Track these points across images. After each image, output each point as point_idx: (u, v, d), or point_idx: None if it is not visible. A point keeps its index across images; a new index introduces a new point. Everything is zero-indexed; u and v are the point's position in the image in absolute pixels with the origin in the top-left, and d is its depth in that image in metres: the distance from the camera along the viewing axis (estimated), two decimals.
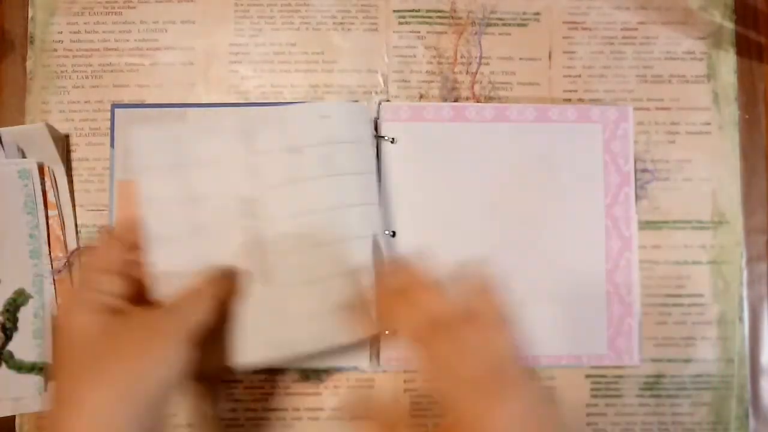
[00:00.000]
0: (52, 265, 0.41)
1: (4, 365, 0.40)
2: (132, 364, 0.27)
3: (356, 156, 0.39)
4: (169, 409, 0.30)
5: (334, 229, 0.38)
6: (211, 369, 0.33)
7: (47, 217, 0.41)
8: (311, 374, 0.42)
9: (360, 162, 0.40)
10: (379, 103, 0.42)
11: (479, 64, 0.43)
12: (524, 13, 0.44)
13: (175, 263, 0.34)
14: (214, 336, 0.33)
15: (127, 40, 0.43)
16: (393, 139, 0.41)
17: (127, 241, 0.31)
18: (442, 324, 0.30)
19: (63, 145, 0.42)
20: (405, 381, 0.42)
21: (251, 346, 0.36)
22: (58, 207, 0.41)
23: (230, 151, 0.38)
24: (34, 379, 0.40)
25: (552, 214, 0.42)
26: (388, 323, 0.32)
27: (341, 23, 0.44)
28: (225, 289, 0.33)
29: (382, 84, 0.43)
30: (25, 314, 0.41)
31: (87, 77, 0.43)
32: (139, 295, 0.31)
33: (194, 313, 0.30)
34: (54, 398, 0.27)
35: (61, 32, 0.43)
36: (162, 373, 0.27)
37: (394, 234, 0.41)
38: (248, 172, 0.39)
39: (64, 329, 0.28)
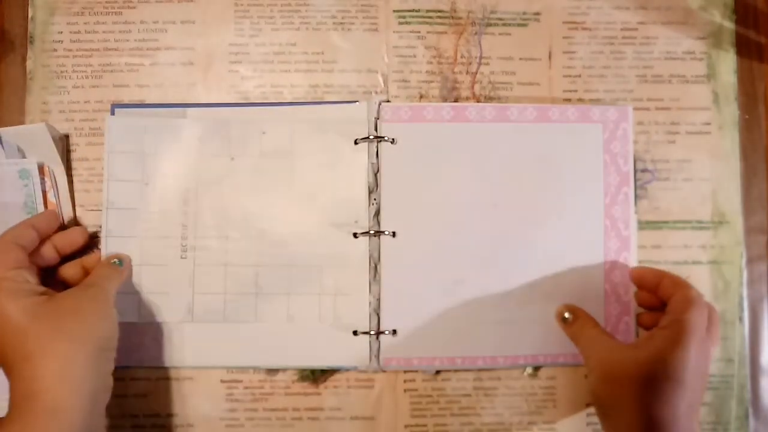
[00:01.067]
0: None
1: None
2: (86, 323, 0.34)
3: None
4: (113, 359, 0.36)
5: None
6: None
7: None
8: (311, 374, 0.42)
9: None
10: (379, 104, 0.42)
11: (479, 64, 0.43)
12: (524, 13, 0.44)
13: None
14: None
15: (127, 40, 0.43)
16: (393, 139, 0.41)
17: (21, 242, 0.36)
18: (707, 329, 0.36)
19: (63, 145, 0.42)
20: (405, 381, 0.42)
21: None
22: (58, 207, 0.41)
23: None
24: None
25: (551, 213, 0.42)
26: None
27: (341, 23, 0.44)
28: (125, 274, 0.40)
29: (382, 84, 0.43)
30: None
31: (87, 77, 0.43)
32: (55, 287, 0.38)
33: (112, 285, 0.37)
34: (16, 364, 0.32)
35: (61, 32, 0.43)
36: (107, 328, 0.35)
37: (394, 234, 0.41)
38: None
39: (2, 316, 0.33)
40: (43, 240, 0.38)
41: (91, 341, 0.34)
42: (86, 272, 0.40)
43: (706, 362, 0.35)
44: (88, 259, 0.40)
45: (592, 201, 0.42)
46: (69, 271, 0.39)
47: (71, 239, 0.40)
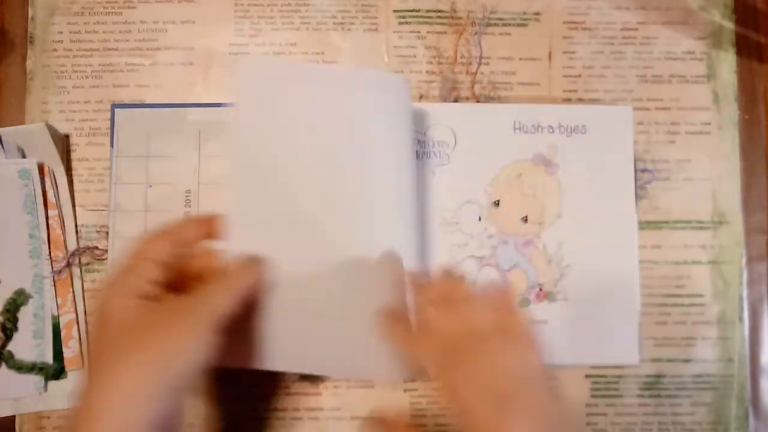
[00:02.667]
0: (52, 265, 0.41)
1: (4, 365, 0.40)
2: (159, 346, 0.28)
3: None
4: (191, 395, 0.32)
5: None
6: (237, 363, 0.34)
7: (47, 217, 0.41)
8: (311, 374, 0.42)
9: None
10: None
11: (479, 64, 0.43)
12: (524, 13, 0.44)
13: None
14: (241, 330, 0.34)
15: (127, 40, 0.43)
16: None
17: (179, 237, 0.32)
18: (479, 336, 0.31)
19: (63, 145, 0.42)
20: (405, 381, 0.42)
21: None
22: (58, 207, 0.41)
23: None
24: (34, 379, 0.40)
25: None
26: (424, 330, 0.32)
27: (341, 23, 0.44)
28: (253, 280, 0.33)
29: None
30: (25, 314, 0.41)
31: (87, 77, 0.43)
32: (182, 285, 0.32)
33: (220, 301, 0.30)
34: (87, 374, 0.29)
35: (61, 32, 0.43)
36: (186, 356, 0.28)
37: None
38: None
39: (101, 310, 0.30)
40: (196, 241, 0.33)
41: (161, 376, 0.27)
42: (217, 268, 0.33)
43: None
44: (218, 255, 0.33)
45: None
46: (199, 262, 0.33)
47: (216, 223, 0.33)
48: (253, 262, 0.33)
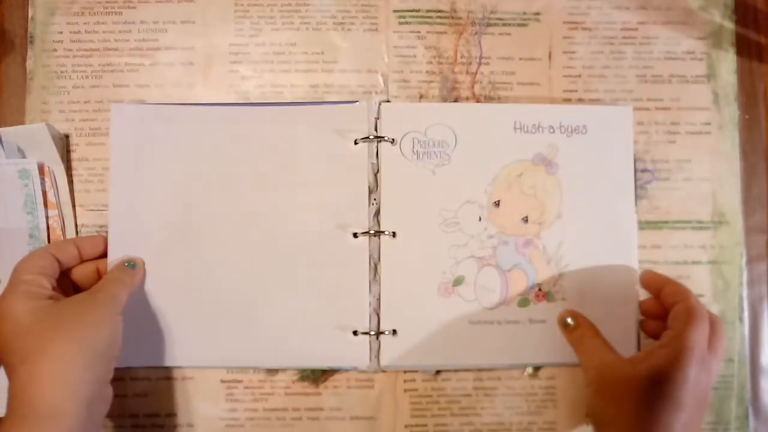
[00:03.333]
0: None
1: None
2: (80, 325, 0.34)
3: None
4: (112, 369, 0.35)
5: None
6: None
7: (47, 217, 0.41)
8: (311, 374, 0.42)
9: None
10: (379, 104, 0.42)
11: (479, 64, 0.43)
12: (524, 13, 0.44)
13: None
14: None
15: (127, 40, 0.43)
16: (393, 139, 0.41)
17: (60, 256, 0.38)
18: (709, 349, 0.36)
19: (63, 145, 0.42)
20: (405, 381, 0.42)
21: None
22: (58, 207, 0.41)
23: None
24: None
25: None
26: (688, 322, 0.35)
27: (341, 23, 0.44)
28: (135, 276, 0.40)
29: (382, 84, 0.43)
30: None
31: (87, 77, 0.43)
32: (66, 292, 0.39)
33: (120, 291, 0.37)
34: (16, 364, 0.32)
35: (61, 32, 0.43)
36: (107, 333, 0.35)
37: (394, 234, 0.41)
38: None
39: (10, 314, 0.34)
40: (82, 260, 0.39)
41: (89, 346, 0.33)
42: (100, 275, 0.40)
43: (708, 380, 0.34)
44: (102, 262, 0.40)
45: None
46: (83, 271, 0.40)
47: (94, 243, 0.40)
48: (138, 263, 0.40)
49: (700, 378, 0.33)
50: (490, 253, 0.41)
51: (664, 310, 0.38)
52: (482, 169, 0.42)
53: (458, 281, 0.41)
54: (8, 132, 0.41)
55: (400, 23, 0.44)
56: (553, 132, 0.42)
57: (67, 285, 0.39)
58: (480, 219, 0.41)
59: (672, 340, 0.35)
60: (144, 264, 0.40)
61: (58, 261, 0.37)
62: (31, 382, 0.31)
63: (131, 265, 0.40)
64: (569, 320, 0.40)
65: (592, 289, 0.41)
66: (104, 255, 0.40)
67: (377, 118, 0.42)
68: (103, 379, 0.34)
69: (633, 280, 0.41)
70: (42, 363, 0.32)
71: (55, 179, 0.41)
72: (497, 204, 0.42)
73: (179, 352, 0.41)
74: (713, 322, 0.36)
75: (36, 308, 0.34)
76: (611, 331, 0.40)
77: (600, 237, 0.42)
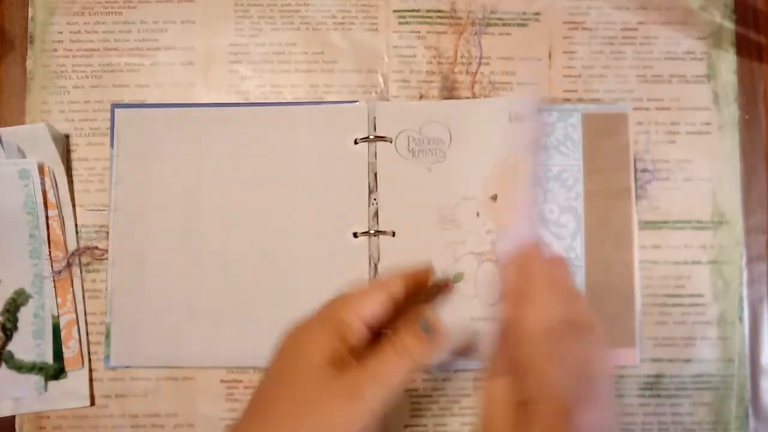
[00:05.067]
0: (52, 265, 0.41)
1: (4, 365, 0.40)
2: (323, 422, 0.27)
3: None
4: None
5: None
6: None
7: (47, 217, 0.41)
8: None
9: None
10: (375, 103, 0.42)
11: (479, 64, 0.43)
12: (524, 13, 0.44)
13: None
14: None
15: (127, 40, 0.43)
16: (392, 139, 0.41)
17: (392, 295, 0.30)
18: (576, 325, 0.29)
19: (63, 145, 0.42)
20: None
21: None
22: (58, 207, 0.41)
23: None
24: (34, 379, 0.40)
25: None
26: (520, 308, 0.30)
27: (341, 23, 0.44)
28: (431, 351, 0.30)
29: (382, 84, 0.43)
30: (25, 314, 0.41)
31: (87, 77, 0.43)
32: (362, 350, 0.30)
33: (394, 372, 0.29)
34: (244, 421, 0.29)
35: (61, 32, 0.43)
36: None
37: (394, 234, 0.41)
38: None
39: (285, 356, 0.29)
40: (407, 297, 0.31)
41: None
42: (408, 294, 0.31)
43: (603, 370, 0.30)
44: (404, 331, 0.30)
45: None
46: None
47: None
48: (426, 325, 0.30)
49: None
50: (489, 248, 0.41)
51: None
52: (478, 164, 0.42)
53: (458, 278, 0.41)
54: (8, 132, 0.41)
55: (400, 23, 0.44)
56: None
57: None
58: (478, 215, 0.41)
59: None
60: (446, 332, 0.30)
61: (391, 301, 0.29)
62: None
63: (428, 331, 0.29)
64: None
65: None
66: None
67: (375, 118, 0.42)
68: None
69: (633, 280, 0.41)
70: None
71: (55, 179, 0.41)
72: (495, 198, 0.42)
73: (180, 352, 0.41)
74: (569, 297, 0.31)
75: (313, 371, 0.28)
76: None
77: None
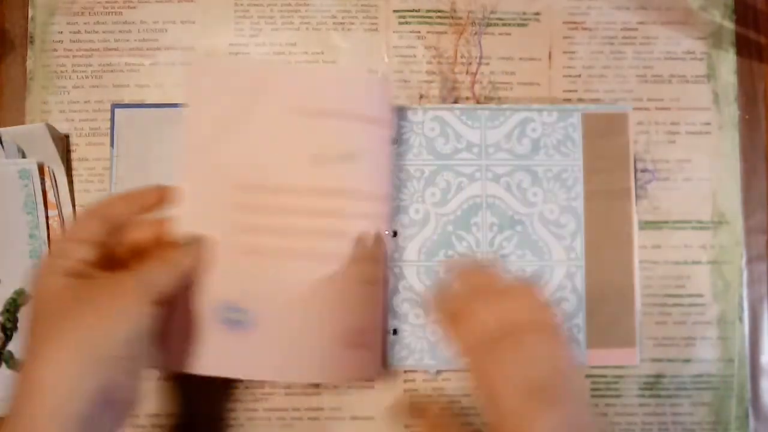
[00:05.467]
0: None
1: (4, 365, 0.40)
2: (89, 319, 0.28)
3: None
4: (140, 375, 0.30)
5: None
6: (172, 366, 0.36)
7: (47, 217, 0.41)
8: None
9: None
10: None
11: (479, 64, 0.43)
12: (524, 13, 0.44)
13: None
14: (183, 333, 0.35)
15: (127, 40, 0.43)
16: (393, 139, 0.41)
17: (108, 214, 0.32)
18: (514, 327, 0.31)
19: (63, 145, 0.42)
20: (405, 381, 0.42)
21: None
22: (58, 207, 0.41)
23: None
24: None
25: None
26: (461, 317, 0.32)
27: (341, 23, 0.44)
28: (194, 261, 0.34)
29: None
30: (25, 314, 0.41)
31: (87, 77, 0.43)
32: (115, 264, 0.32)
33: (157, 279, 0.31)
34: (25, 355, 0.28)
35: (61, 32, 0.43)
36: (122, 330, 0.28)
37: (394, 234, 0.41)
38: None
39: (34, 292, 0.30)
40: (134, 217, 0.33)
41: (91, 348, 0.27)
42: (158, 241, 0.33)
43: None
44: (161, 225, 0.33)
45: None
46: (138, 234, 0.33)
47: (145, 199, 0.33)
48: (196, 242, 0.33)
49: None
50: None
51: None
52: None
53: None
54: (8, 132, 0.41)
55: (400, 23, 0.44)
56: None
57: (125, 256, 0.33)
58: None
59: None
60: (209, 244, 0.33)
61: (109, 221, 0.31)
62: (22, 389, 0.27)
63: (189, 245, 0.33)
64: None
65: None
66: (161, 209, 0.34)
67: None
68: (115, 386, 0.28)
69: (633, 280, 0.41)
70: (33, 367, 0.27)
71: (55, 179, 0.41)
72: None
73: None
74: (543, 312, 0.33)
75: (54, 286, 0.29)
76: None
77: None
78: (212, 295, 0.35)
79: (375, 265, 0.37)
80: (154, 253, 0.32)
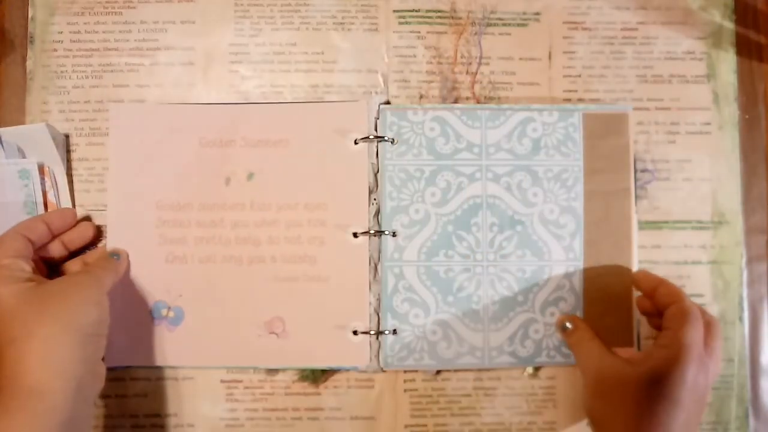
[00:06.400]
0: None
1: None
2: (73, 307, 0.34)
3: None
4: (102, 347, 0.36)
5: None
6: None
7: None
8: (311, 374, 0.42)
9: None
10: (379, 105, 0.42)
11: (479, 64, 0.43)
12: (524, 13, 0.44)
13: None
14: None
15: (127, 40, 0.43)
16: (393, 139, 0.41)
17: (36, 232, 0.38)
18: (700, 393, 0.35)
19: (63, 145, 0.42)
20: (405, 381, 0.42)
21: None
22: (58, 207, 0.41)
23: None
24: None
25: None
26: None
27: (341, 23, 0.44)
28: (124, 264, 0.40)
29: (382, 84, 0.43)
30: None
31: (87, 77, 0.43)
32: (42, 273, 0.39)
33: (106, 275, 0.38)
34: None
35: (61, 32, 0.43)
36: (94, 313, 0.35)
37: (394, 234, 0.41)
38: None
39: None
40: (54, 236, 0.39)
41: (76, 326, 0.33)
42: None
43: (706, 380, 0.34)
44: (90, 255, 0.41)
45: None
46: (72, 267, 0.40)
47: (79, 234, 0.41)
48: (124, 253, 0.41)
49: (698, 378, 0.34)
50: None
51: (656, 307, 0.39)
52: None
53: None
54: (8, 132, 0.41)
55: (400, 23, 0.44)
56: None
57: (44, 270, 0.39)
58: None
59: (669, 340, 0.35)
60: (128, 255, 0.41)
61: (31, 241, 0.37)
62: (17, 361, 0.32)
63: (116, 257, 0.40)
64: (568, 324, 0.40)
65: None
66: (72, 228, 0.40)
67: (377, 118, 0.42)
68: (92, 358, 0.34)
69: (632, 280, 0.41)
70: (29, 343, 0.32)
71: (55, 179, 0.41)
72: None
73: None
74: (709, 323, 0.36)
75: (19, 291, 0.34)
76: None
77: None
78: (145, 296, 0.41)
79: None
80: (92, 262, 0.39)
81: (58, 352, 0.32)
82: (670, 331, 0.35)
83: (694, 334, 0.34)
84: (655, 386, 0.33)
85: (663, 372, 0.33)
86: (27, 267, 0.36)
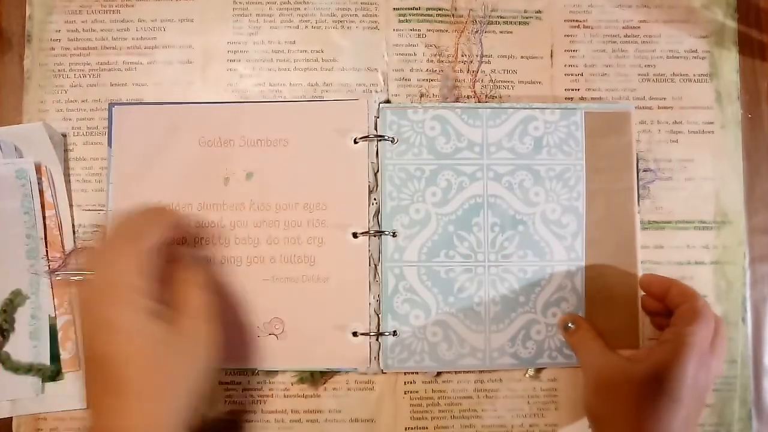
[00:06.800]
0: (49, 265, 0.41)
1: (0, 367, 0.40)
2: (189, 372, 0.32)
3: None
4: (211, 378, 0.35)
5: None
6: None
7: (44, 217, 0.41)
8: (310, 376, 0.41)
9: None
10: (379, 104, 0.41)
11: (480, 62, 0.43)
12: (525, 11, 0.44)
13: None
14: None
15: (125, 39, 0.43)
16: (393, 138, 0.41)
17: (153, 238, 0.33)
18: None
19: (60, 144, 0.42)
20: (405, 383, 0.42)
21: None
22: (56, 207, 0.41)
23: None
24: (31, 381, 0.40)
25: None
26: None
27: (341, 21, 0.43)
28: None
29: (382, 82, 0.43)
30: (21, 315, 0.40)
31: (84, 76, 0.43)
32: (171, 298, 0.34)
33: (211, 331, 0.34)
34: (99, 402, 0.31)
35: (59, 30, 0.43)
36: (204, 370, 0.33)
37: (394, 234, 0.41)
38: None
39: (113, 326, 0.30)
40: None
41: (194, 392, 0.32)
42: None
43: (707, 379, 0.34)
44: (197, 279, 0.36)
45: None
46: (192, 295, 0.35)
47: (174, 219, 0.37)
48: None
49: (699, 375, 0.33)
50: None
51: (664, 308, 0.38)
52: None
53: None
54: (5, 131, 0.40)
55: (401, 21, 0.43)
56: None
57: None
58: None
59: (672, 336, 0.35)
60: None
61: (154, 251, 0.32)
62: (120, 418, 0.29)
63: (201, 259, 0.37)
64: (570, 324, 0.39)
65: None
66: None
67: (377, 117, 0.41)
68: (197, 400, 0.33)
69: (634, 280, 0.41)
70: (145, 404, 0.30)
71: (52, 179, 0.41)
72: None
73: None
74: (718, 324, 0.36)
75: (149, 330, 0.30)
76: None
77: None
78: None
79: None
80: (193, 294, 0.35)
81: (168, 419, 0.30)
82: (674, 327, 0.35)
83: (702, 332, 0.34)
84: (656, 383, 0.33)
85: (665, 367, 0.33)
86: (150, 288, 0.31)
